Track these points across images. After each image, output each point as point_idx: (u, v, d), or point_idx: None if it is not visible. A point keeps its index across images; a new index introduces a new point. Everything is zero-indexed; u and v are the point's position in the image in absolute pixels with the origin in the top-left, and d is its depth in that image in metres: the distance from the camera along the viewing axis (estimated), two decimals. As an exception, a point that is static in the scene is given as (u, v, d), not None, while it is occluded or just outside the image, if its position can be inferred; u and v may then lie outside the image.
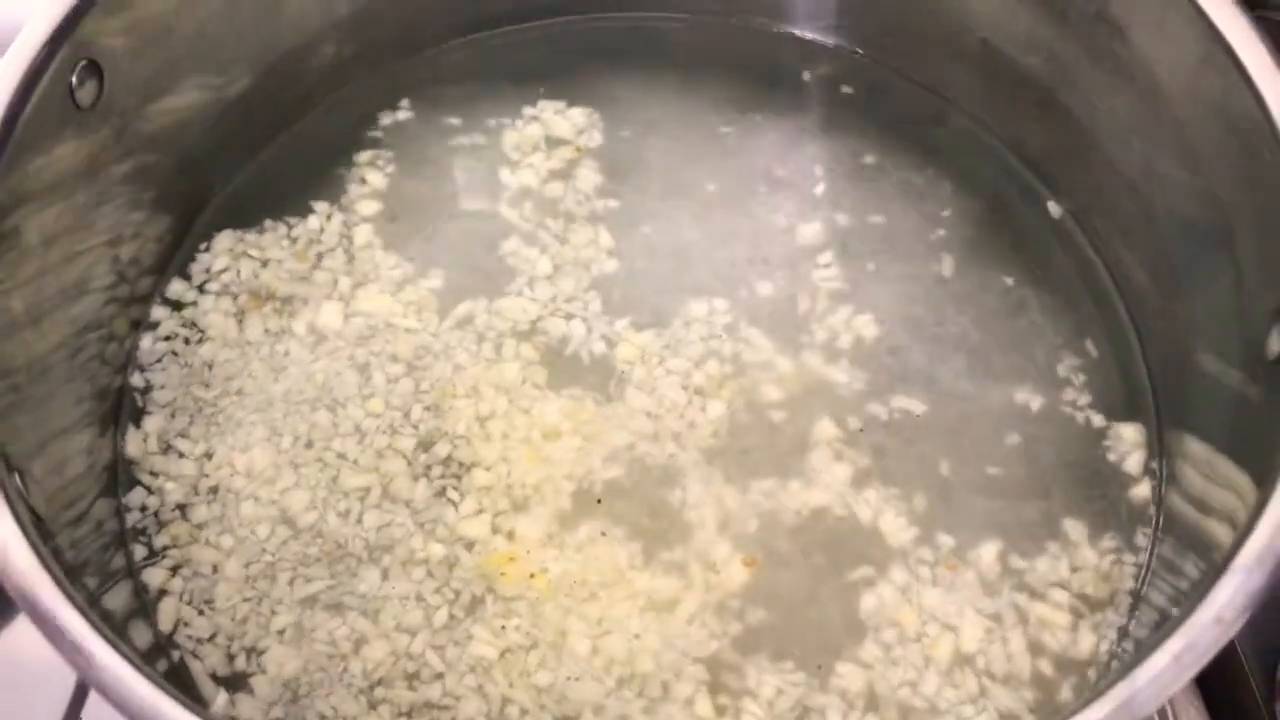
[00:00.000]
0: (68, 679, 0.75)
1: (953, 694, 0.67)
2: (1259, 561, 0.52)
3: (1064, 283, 0.81)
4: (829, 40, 0.91)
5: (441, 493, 0.72)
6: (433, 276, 0.81)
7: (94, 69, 0.68)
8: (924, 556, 0.70)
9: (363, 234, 0.83)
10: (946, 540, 0.71)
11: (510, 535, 0.71)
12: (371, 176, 0.85)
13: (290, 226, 0.83)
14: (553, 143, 0.87)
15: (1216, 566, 0.53)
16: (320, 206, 0.84)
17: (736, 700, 0.66)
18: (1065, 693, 0.67)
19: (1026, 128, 0.84)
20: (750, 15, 0.92)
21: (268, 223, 0.83)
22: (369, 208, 0.84)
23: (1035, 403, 0.76)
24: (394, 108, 0.89)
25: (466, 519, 0.71)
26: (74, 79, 0.67)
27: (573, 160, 0.86)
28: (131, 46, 0.71)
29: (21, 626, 0.79)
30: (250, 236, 0.82)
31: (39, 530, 0.53)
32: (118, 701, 0.49)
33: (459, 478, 0.72)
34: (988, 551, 0.71)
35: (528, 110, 0.88)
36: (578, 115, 0.88)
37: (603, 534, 0.71)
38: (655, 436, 0.74)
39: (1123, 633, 0.69)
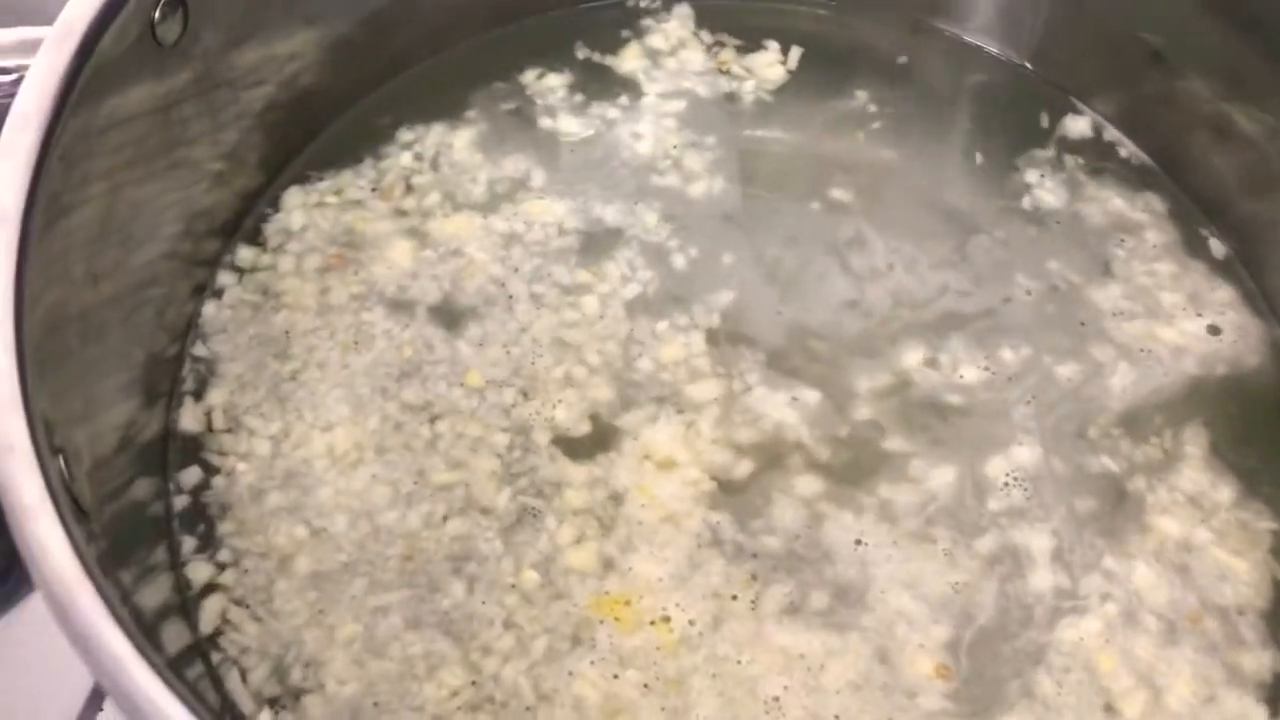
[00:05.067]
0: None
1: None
2: None
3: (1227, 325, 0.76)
4: (988, 45, 0.87)
5: (532, 514, 0.67)
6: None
7: (179, 4, 0.64)
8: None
9: (462, 152, 0.80)
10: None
11: (626, 575, 0.65)
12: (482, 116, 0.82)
13: (370, 162, 0.80)
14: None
15: None
16: (410, 137, 0.81)
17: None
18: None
19: (1195, 154, 0.79)
20: (907, 11, 0.88)
21: (340, 171, 0.79)
22: (465, 137, 0.81)
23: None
24: (511, 70, 0.85)
25: (568, 549, 0.66)
26: (157, 13, 0.62)
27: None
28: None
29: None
30: (323, 184, 0.79)
31: (81, 526, 0.48)
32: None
33: (546, 498, 0.67)
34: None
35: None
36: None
37: (753, 576, 0.65)
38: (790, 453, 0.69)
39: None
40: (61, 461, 0.50)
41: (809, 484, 0.68)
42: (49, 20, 0.58)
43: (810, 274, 0.76)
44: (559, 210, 0.77)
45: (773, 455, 0.69)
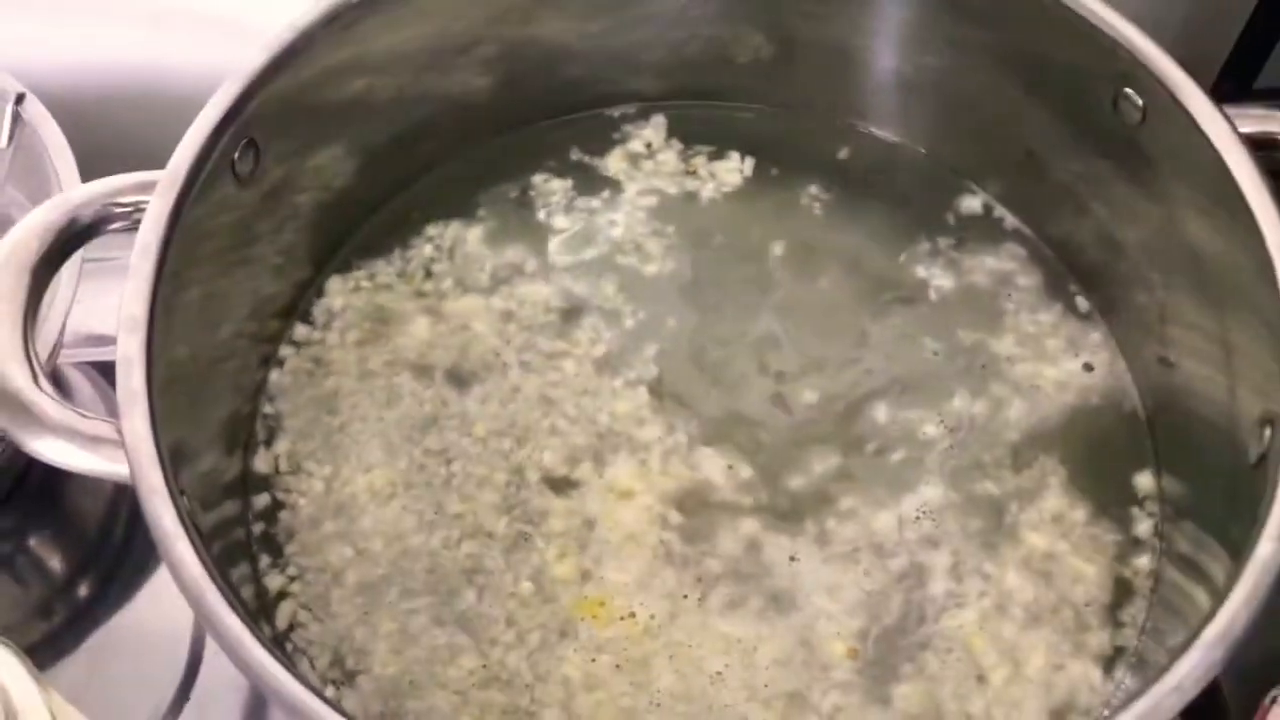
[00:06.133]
0: (186, 640, 0.85)
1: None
2: (1221, 639, 0.58)
3: (1099, 363, 0.86)
4: (892, 137, 0.94)
5: (524, 537, 0.77)
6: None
7: (251, 146, 0.72)
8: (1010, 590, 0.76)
9: (473, 244, 0.90)
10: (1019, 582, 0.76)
11: (599, 582, 0.75)
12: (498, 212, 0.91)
13: (398, 252, 0.90)
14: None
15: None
16: (433, 231, 0.91)
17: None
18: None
19: (1063, 226, 0.88)
20: (835, 114, 0.94)
21: (374, 260, 0.89)
22: (476, 232, 0.91)
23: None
24: (517, 173, 0.92)
25: (553, 563, 0.75)
26: (236, 155, 0.71)
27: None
28: (285, 124, 0.75)
29: (149, 592, 0.88)
30: (359, 272, 0.88)
31: (202, 544, 0.61)
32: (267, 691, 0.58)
33: (536, 524, 0.77)
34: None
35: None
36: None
37: (699, 579, 0.76)
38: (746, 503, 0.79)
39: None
40: (185, 500, 0.62)
41: (749, 524, 0.77)
42: (159, 165, 0.69)
43: (737, 365, 0.84)
44: (545, 291, 0.85)
45: (707, 502, 0.78)
